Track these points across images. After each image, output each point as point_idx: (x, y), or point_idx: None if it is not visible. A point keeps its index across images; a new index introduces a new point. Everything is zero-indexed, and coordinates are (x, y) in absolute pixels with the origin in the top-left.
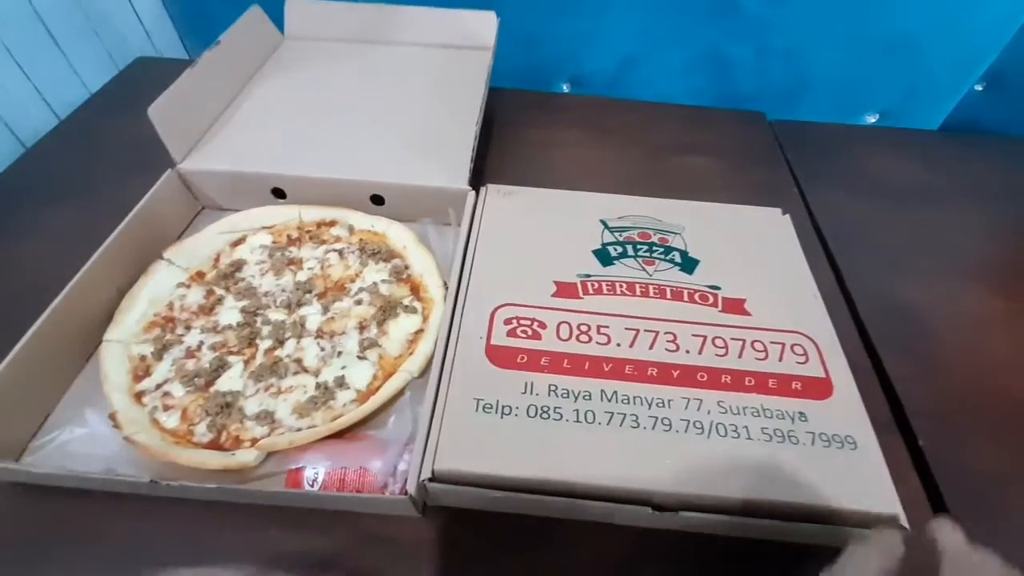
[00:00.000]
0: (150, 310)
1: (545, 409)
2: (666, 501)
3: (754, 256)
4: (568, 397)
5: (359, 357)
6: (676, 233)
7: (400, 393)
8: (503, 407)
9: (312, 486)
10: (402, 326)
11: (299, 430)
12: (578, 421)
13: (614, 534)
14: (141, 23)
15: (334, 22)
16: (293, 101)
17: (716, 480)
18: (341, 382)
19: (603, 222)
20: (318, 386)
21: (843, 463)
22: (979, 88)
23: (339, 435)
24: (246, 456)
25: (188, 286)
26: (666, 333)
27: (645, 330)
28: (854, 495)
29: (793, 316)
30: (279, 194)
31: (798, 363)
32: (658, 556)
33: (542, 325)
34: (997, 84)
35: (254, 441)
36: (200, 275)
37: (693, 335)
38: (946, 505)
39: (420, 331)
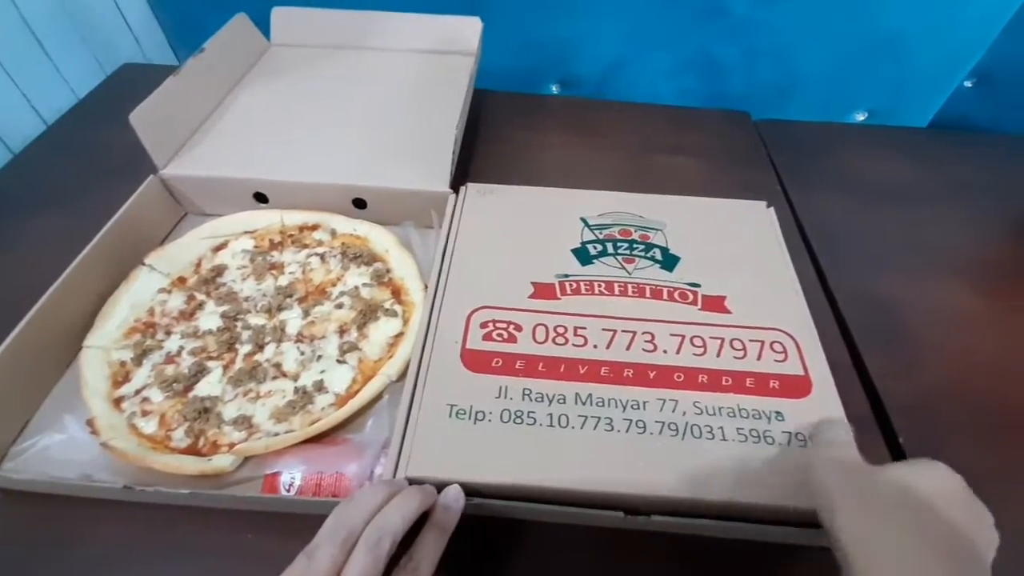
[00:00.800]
0: (131, 316)
1: (519, 414)
2: (637, 504)
3: (736, 251)
4: (542, 401)
5: (339, 361)
6: (657, 229)
7: (379, 396)
8: (476, 412)
9: (289, 491)
10: (382, 330)
11: (277, 434)
12: (551, 425)
13: (589, 535)
14: (130, 29)
15: (320, 29)
16: (277, 107)
17: (689, 482)
18: (320, 386)
19: (583, 219)
20: (297, 390)
21: None
22: (968, 85)
23: (317, 439)
24: (222, 461)
25: (169, 292)
26: (644, 333)
27: (623, 331)
28: None
29: (773, 313)
30: (261, 199)
31: (777, 361)
32: (635, 556)
33: (518, 328)
34: (987, 80)
35: (232, 446)
36: (182, 280)
37: (671, 335)
38: None
39: (400, 334)
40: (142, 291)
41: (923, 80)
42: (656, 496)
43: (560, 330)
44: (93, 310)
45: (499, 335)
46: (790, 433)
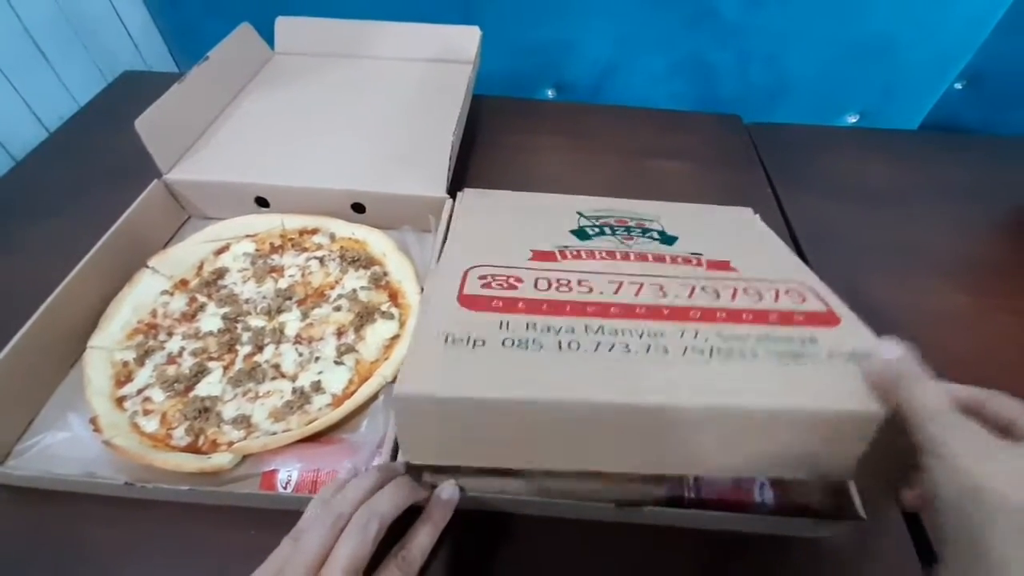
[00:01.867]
0: (134, 317)
1: (522, 341)
2: (660, 420)
3: (734, 235)
4: (548, 332)
5: (336, 362)
6: (653, 220)
7: (374, 397)
8: (475, 340)
9: (286, 488)
10: (379, 332)
11: (274, 433)
12: (560, 350)
13: (581, 530)
14: (130, 37)
15: (323, 38)
16: (279, 113)
17: (722, 392)
18: (317, 386)
19: (579, 212)
20: (295, 391)
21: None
22: (959, 87)
23: (313, 438)
24: (221, 459)
25: (171, 294)
26: (652, 284)
27: (629, 282)
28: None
29: (782, 272)
30: (263, 203)
31: (795, 303)
32: (624, 547)
33: (518, 279)
34: (977, 82)
35: (231, 444)
36: (184, 283)
37: (680, 284)
38: None
39: (397, 337)
40: (145, 293)
41: (913, 82)
42: (684, 407)
43: (563, 281)
44: (97, 311)
45: (499, 284)
46: (830, 351)
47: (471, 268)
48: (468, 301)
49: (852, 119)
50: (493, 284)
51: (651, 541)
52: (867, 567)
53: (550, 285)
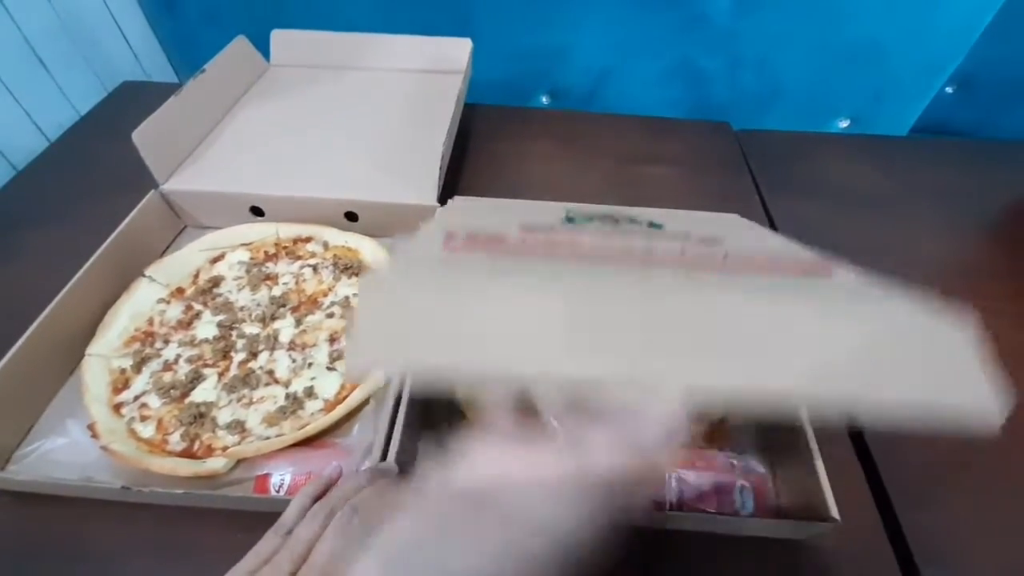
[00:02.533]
0: (131, 325)
1: (508, 270)
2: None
3: (723, 226)
4: (535, 260)
5: (328, 368)
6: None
7: (365, 402)
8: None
9: (278, 491)
10: None
11: (268, 438)
12: (547, 259)
13: None
14: (130, 47)
15: (317, 50)
16: (274, 124)
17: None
18: (310, 392)
19: (566, 210)
20: (288, 396)
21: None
22: (950, 90)
23: (306, 442)
24: (215, 463)
25: (168, 302)
26: (642, 245)
27: (620, 244)
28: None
29: (773, 248)
30: (258, 212)
31: (791, 258)
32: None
33: (504, 237)
34: (967, 86)
35: (225, 449)
36: (180, 291)
37: (670, 248)
38: (888, 495)
39: None
40: (142, 301)
41: (903, 87)
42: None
43: (552, 241)
44: (95, 319)
45: (484, 240)
46: (832, 286)
47: (451, 231)
48: (451, 246)
49: (843, 124)
50: (479, 238)
51: (635, 542)
52: (846, 568)
53: (538, 243)
